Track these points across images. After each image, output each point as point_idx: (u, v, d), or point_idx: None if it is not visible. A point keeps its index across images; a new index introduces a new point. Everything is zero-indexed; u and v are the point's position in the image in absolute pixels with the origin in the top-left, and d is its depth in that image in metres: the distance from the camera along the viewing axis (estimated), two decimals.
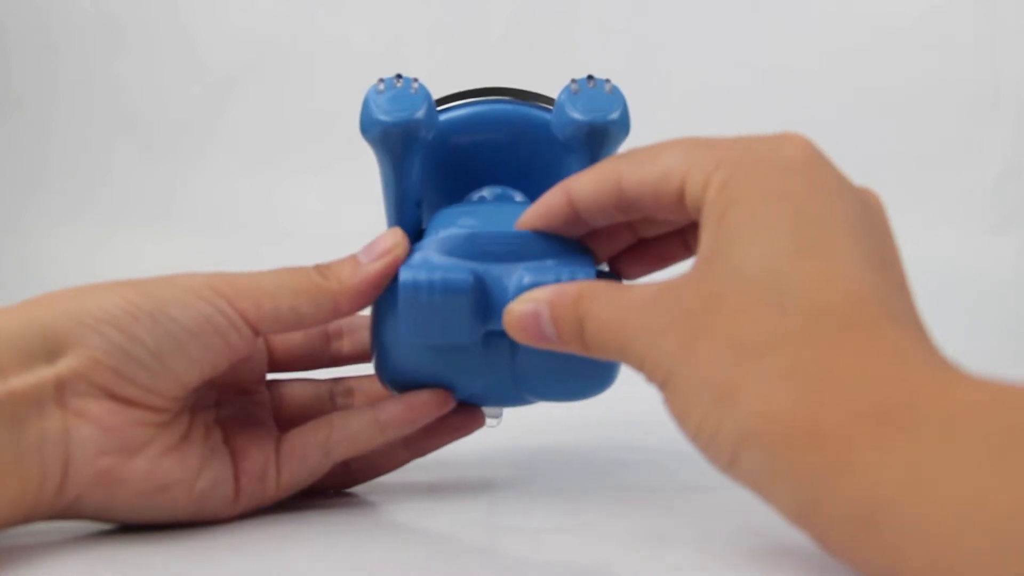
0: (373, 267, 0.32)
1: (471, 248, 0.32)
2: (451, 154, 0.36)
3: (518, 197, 0.36)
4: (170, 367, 0.30)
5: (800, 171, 0.25)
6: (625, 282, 0.33)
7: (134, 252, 1.10)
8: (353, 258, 0.33)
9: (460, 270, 0.32)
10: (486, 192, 0.36)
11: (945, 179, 1.00)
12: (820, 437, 0.21)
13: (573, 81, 0.34)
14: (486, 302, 0.32)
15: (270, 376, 0.37)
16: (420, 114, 0.33)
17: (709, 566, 0.26)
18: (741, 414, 0.23)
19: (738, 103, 1.01)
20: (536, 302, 0.29)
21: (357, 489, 0.38)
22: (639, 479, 0.38)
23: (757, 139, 0.27)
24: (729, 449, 0.23)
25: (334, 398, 0.37)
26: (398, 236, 0.33)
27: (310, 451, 0.33)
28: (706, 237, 0.26)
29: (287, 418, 0.36)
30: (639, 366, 0.26)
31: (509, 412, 0.37)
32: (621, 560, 0.28)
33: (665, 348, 0.25)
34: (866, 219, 0.25)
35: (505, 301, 0.31)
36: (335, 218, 1.02)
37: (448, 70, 1.05)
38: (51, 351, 0.28)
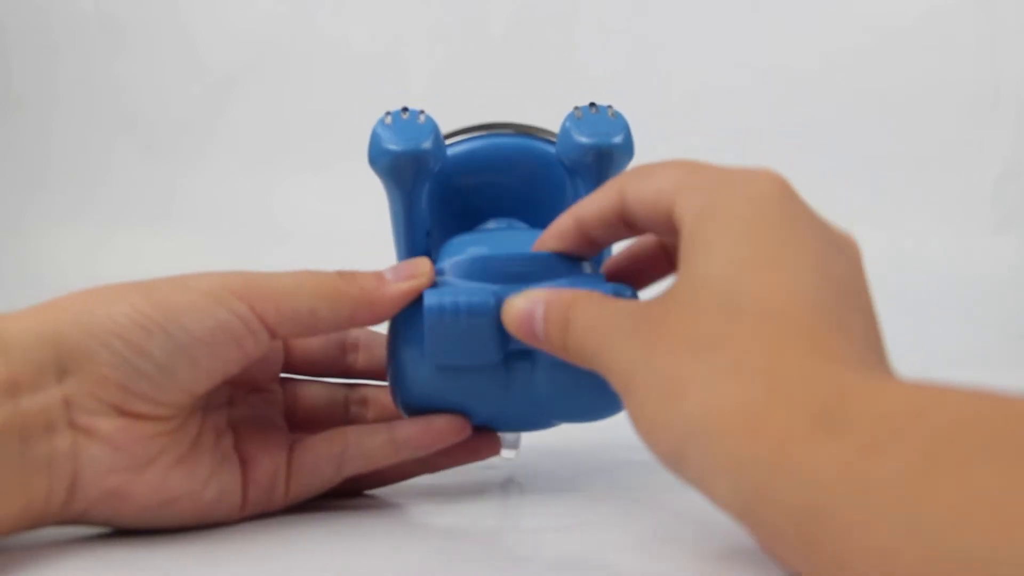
0: (398, 286, 0.32)
1: (490, 270, 0.32)
2: (455, 189, 0.36)
3: (523, 228, 0.37)
4: (180, 378, 0.29)
5: (771, 202, 0.27)
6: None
7: (134, 252, 1.10)
8: (378, 273, 0.33)
9: (483, 292, 0.32)
10: (492, 224, 0.37)
11: (945, 179, 1.00)
12: (759, 432, 0.22)
13: (576, 108, 0.35)
14: None
15: (284, 375, 0.37)
16: (428, 144, 0.34)
17: (708, 566, 0.26)
18: (689, 408, 0.24)
19: (738, 103, 1.00)
20: (534, 300, 0.30)
21: None
22: (639, 479, 0.38)
23: (737, 171, 0.28)
24: (678, 444, 0.24)
25: (348, 405, 0.37)
26: (426, 266, 0.33)
27: (322, 464, 0.33)
28: (680, 257, 0.27)
29: (299, 419, 0.36)
30: (607, 373, 0.27)
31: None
32: (621, 560, 0.28)
33: (628, 353, 0.26)
34: (830, 250, 0.26)
35: None
36: (335, 218, 1.02)
37: (448, 70, 1.05)
38: (61, 364, 0.28)
